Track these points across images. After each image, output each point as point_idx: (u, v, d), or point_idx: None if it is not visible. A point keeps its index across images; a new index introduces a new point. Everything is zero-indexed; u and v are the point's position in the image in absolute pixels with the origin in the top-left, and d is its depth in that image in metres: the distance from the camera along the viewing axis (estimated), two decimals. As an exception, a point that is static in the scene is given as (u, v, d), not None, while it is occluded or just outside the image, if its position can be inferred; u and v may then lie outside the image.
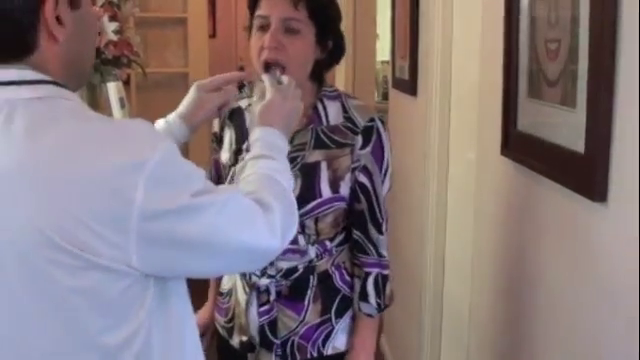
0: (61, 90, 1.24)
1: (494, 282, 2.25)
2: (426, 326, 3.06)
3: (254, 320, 1.89)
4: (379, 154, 1.87)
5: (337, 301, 1.94)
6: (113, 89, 3.19)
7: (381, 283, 1.93)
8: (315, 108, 1.88)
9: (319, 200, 1.83)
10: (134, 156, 1.14)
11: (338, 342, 1.94)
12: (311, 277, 1.90)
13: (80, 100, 1.28)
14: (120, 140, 1.17)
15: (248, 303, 1.90)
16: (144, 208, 1.13)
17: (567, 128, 1.59)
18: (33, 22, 1.20)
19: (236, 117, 1.96)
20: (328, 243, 1.90)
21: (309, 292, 1.91)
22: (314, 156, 1.84)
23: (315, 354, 1.92)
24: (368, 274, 1.92)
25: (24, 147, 1.14)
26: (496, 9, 2.05)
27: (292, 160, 1.79)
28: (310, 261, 1.88)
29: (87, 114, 1.22)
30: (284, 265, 1.87)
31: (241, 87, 1.98)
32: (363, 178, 1.87)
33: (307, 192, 1.83)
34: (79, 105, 1.25)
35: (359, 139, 1.85)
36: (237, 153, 1.90)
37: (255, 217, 1.30)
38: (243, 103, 1.95)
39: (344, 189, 1.86)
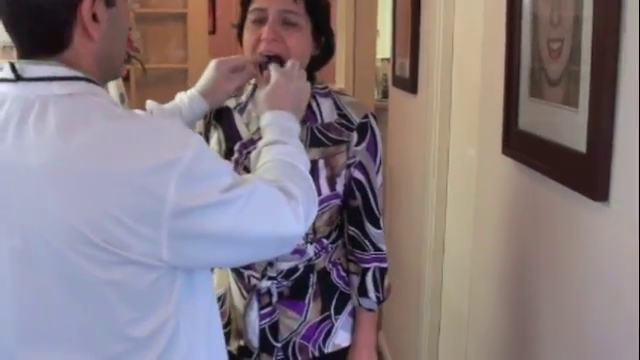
0: (91, 86, 1.25)
1: (493, 280, 2.25)
2: (424, 323, 3.06)
3: (253, 324, 1.86)
4: (373, 150, 1.87)
5: (335, 298, 1.94)
6: (113, 85, 3.20)
7: (379, 277, 1.93)
8: (309, 106, 1.86)
9: (318, 198, 1.83)
10: (167, 154, 1.17)
11: (338, 339, 1.94)
12: (311, 275, 1.90)
13: (109, 97, 1.30)
14: (152, 139, 1.19)
15: (247, 307, 1.87)
16: (176, 205, 1.15)
17: (569, 128, 1.58)
18: (69, 19, 1.21)
19: (224, 117, 1.93)
20: (324, 240, 1.90)
21: (309, 291, 1.90)
22: (311, 154, 1.82)
23: (317, 353, 1.91)
24: (366, 270, 1.92)
25: (57, 144, 1.16)
26: (498, 7, 2.05)
27: None
28: (309, 260, 1.88)
29: (118, 112, 1.23)
30: (285, 266, 1.86)
31: None
32: (358, 174, 1.87)
33: None
34: (109, 102, 1.26)
35: (354, 136, 1.85)
36: (227, 154, 1.88)
37: (280, 205, 1.32)
38: (231, 103, 1.93)
39: (339, 186, 1.85)
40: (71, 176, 1.15)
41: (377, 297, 1.93)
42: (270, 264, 1.85)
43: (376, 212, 1.91)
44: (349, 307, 1.96)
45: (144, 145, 1.17)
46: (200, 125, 1.97)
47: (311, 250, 1.87)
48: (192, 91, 1.81)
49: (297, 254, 1.85)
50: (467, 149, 2.64)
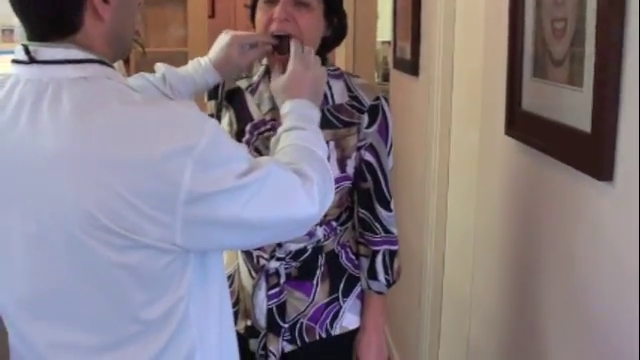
0: (106, 69, 1.25)
1: (496, 263, 2.25)
2: (426, 306, 3.06)
3: (261, 304, 1.87)
4: (384, 132, 1.87)
5: (344, 280, 1.94)
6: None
7: (389, 259, 1.92)
8: None
9: None
10: (182, 140, 1.16)
11: (346, 321, 1.94)
12: (319, 257, 1.90)
13: (124, 80, 1.30)
14: (168, 124, 1.19)
15: (255, 287, 1.88)
16: (190, 191, 1.16)
17: (573, 107, 1.58)
18: (80, 1, 1.22)
19: (236, 98, 1.93)
20: (334, 223, 1.90)
21: (317, 272, 1.91)
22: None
23: (324, 335, 1.92)
24: (376, 252, 1.92)
25: (72, 128, 1.16)
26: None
27: None
28: (318, 241, 1.88)
29: (133, 96, 1.23)
30: (293, 247, 1.86)
31: None
32: (369, 156, 1.86)
33: None
34: (124, 86, 1.26)
35: (365, 118, 1.84)
36: (239, 135, 1.88)
37: (295, 188, 1.32)
38: (243, 84, 1.93)
39: (350, 168, 1.85)
40: (86, 161, 1.15)
41: (387, 280, 1.93)
42: (279, 245, 1.85)
43: (387, 195, 1.90)
44: (357, 290, 1.96)
45: (160, 131, 1.17)
46: (212, 106, 1.97)
47: (320, 232, 1.87)
48: (207, 61, 1.80)
49: (306, 235, 1.84)
50: (469, 130, 2.63)
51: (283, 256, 1.86)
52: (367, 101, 1.85)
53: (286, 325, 1.89)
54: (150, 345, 1.28)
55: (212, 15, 8.32)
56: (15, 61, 1.26)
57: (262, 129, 1.83)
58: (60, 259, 1.20)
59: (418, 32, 3.17)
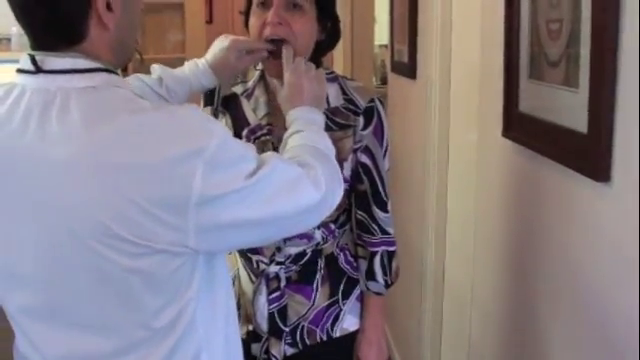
0: (113, 77, 1.26)
1: (496, 264, 2.25)
2: (427, 306, 3.07)
3: (262, 308, 1.88)
4: (380, 134, 1.87)
5: (343, 283, 1.95)
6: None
7: (387, 260, 1.93)
8: None
9: None
10: (192, 144, 1.18)
11: (346, 323, 1.95)
12: (319, 260, 1.91)
13: (131, 88, 1.32)
14: (178, 129, 1.20)
15: (256, 292, 1.88)
16: (202, 193, 1.17)
17: (569, 109, 1.58)
18: (84, 10, 1.22)
19: (232, 104, 1.93)
20: (332, 225, 1.90)
21: (317, 275, 1.91)
22: None
23: (325, 338, 1.92)
24: (374, 254, 1.92)
25: (82, 138, 1.17)
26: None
27: None
28: (317, 244, 1.88)
29: (141, 104, 1.24)
30: (293, 251, 1.87)
31: None
32: (365, 158, 1.87)
33: None
34: (132, 94, 1.27)
35: (360, 120, 1.85)
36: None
37: (299, 178, 1.33)
38: (238, 89, 1.93)
39: (346, 170, 1.86)
40: (97, 170, 1.15)
41: (385, 281, 1.94)
42: (278, 249, 1.85)
43: (383, 196, 1.91)
44: (357, 292, 1.97)
45: (169, 136, 1.18)
46: (208, 112, 1.97)
47: (319, 235, 1.87)
48: (204, 64, 1.81)
49: (305, 239, 1.85)
50: (467, 132, 2.64)
51: (283, 260, 1.87)
52: (362, 103, 1.85)
53: (287, 329, 1.89)
54: (159, 348, 1.29)
55: (210, 21, 8.32)
56: (20, 70, 1.26)
57: (259, 134, 1.84)
58: (73, 267, 1.21)
59: (415, 35, 3.18)
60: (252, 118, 1.87)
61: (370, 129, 1.85)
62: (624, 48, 1.37)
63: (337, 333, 1.94)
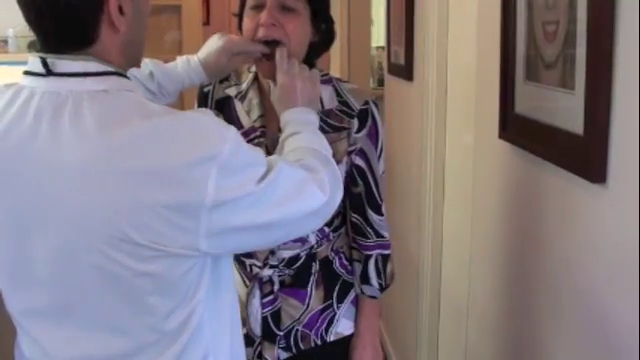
0: (124, 81, 1.27)
1: (493, 266, 2.25)
2: (424, 309, 3.07)
3: (255, 312, 1.87)
4: (374, 136, 1.87)
5: (338, 286, 1.94)
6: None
7: (381, 263, 1.92)
8: None
9: None
10: (206, 149, 1.18)
11: (340, 327, 1.94)
12: (313, 264, 1.90)
13: (142, 92, 1.34)
14: (191, 133, 1.20)
15: (250, 295, 1.88)
16: (215, 197, 1.18)
17: (566, 110, 1.58)
18: (97, 13, 1.22)
19: (225, 106, 1.93)
20: (326, 228, 1.89)
21: (311, 279, 1.90)
22: None
23: (319, 342, 1.92)
24: (369, 257, 1.92)
25: (96, 142, 1.17)
26: (493, -8, 2.04)
27: None
28: (311, 248, 1.88)
29: (153, 108, 1.24)
30: (286, 254, 1.86)
31: (226, 76, 1.96)
32: (360, 161, 1.86)
33: None
34: (143, 98, 1.28)
35: (355, 122, 1.84)
36: None
37: (306, 181, 1.34)
38: (232, 92, 1.92)
39: (341, 173, 1.85)
40: (111, 175, 1.16)
41: (380, 284, 1.93)
42: (272, 252, 1.85)
43: (378, 199, 1.90)
44: (352, 295, 1.96)
45: (183, 140, 1.19)
46: None
47: (313, 238, 1.87)
48: (196, 62, 1.81)
49: (299, 242, 1.85)
50: (464, 134, 2.64)
51: (276, 264, 1.86)
52: (356, 106, 1.85)
53: (281, 333, 1.88)
54: (168, 350, 1.30)
55: (207, 22, 8.33)
56: (28, 73, 1.26)
57: (252, 136, 1.83)
58: (83, 271, 1.21)
59: (412, 37, 3.18)
60: (245, 120, 1.87)
61: (364, 132, 1.85)
62: (620, 50, 1.37)
63: (331, 337, 1.93)
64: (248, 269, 1.88)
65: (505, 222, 2.13)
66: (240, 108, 1.89)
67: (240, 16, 1.83)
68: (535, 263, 1.86)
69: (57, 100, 1.20)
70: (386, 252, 1.93)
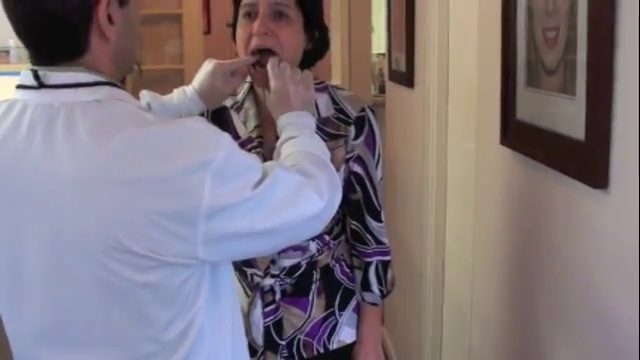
0: (117, 91, 1.26)
1: (495, 271, 2.25)
2: (427, 315, 3.07)
3: (257, 322, 1.86)
4: (372, 143, 1.87)
5: (339, 294, 1.94)
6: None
7: (382, 270, 1.92)
8: None
9: None
10: (200, 156, 1.18)
11: (343, 335, 1.94)
12: (314, 272, 1.90)
13: (135, 101, 1.31)
14: (185, 140, 1.20)
15: (251, 305, 1.87)
16: (211, 204, 1.17)
17: (567, 116, 1.59)
18: (86, 23, 1.22)
19: (222, 117, 1.92)
20: (326, 236, 1.89)
21: (313, 287, 1.90)
22: None
23: (321, 350, 1.91)
24: (369, 264, 1.92)
25: (91, 152, 1.16)
26: (493, -2, 2.05)
27: None
28: (312, 256, 1.88)
29: (147, 118, 1.24)
30: (287, 263, 1.86)
31: None
32: (357, 168, 1.86)
33: None
34: (136, 107, 1.27)
35: (352, 130, 1.84)
36: None
37: (303, 187, 1.33)
38: (228, 102, 1.92)
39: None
40: (107, 184, 1.15)
41: (380, 291, 1.93)
42: (272, 261, 1.84)
43: (376, 205, 1.90)
44: (353, 303, 1.96)
45: (177, 147, 1.18)
46: None
47: (313, 247, 1.86)
48: (192, 91, 1.79)
49: (299, 251, 1.84)
50: (465, 141, 2.64)
51: (277, 273, 1.86)
52: (353, 113, 1.84)
53: (283, 342, 1.88)
54: None
55: (208, 31, 8.34)
56: (21, 86, 1.25)
57: (249, 147, 1.83)
58: (80, 283, 1.21)
59: (412, 44, 3.19)
60: (242, 131, 1.87)
61: (362, 139, 1.85)
62: (621, 55, 1.38)
63: (334, 345, 1.93)
64: (249, 279, 1.88)
65: (507, 227, 2.13)
66: (236, 118, 1.89)
67: (234, 26, 1.83)
68: (537, 268, 1.87)
69: (50, 112, 1.20)
70: (386, 258, 1.93)
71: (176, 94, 1.81)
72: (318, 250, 1.87)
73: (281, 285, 1.87)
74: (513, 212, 2.07)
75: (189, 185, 1.16)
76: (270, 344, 1.87)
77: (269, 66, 1.70)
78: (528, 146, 1.84)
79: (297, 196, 1.32)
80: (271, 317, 1.87)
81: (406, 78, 3.29)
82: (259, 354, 1.88)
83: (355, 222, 1.91)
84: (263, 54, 1.74)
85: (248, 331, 1.86)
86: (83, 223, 1.16)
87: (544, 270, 1.82)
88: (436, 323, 3.04)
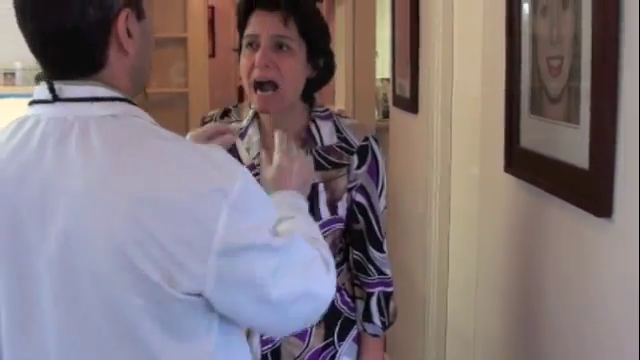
0: (133, 108, 1.23)
1: (499, 299, 2.24)
2: (430, 344, 3.05)
3: (255, 350, 1.83)
4: (375, 173, 1.86)
5: (339, 324, 1.91)
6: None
7: (384, 301, 1.90)
8: (308, 129, 1.86)
9: (319, 222, 1.79)
10: (218, 182, 1.14)
11: None
12: None
13: (151, 118, 1.27)
14: (204, 164, 1.16)
15: (249, 333, 1.83)
16: (225, 239, 1.12)
17: (571, 144, 1.59)
18: (105, 37, 1.19)
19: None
20: None
21: None
22: None
23: None
24: (371, 294, 1.90)
25: (105, 166, 1.13)
26: (497, 26, 2.06)
27: None
28: None
29: (164, 133, 1.20)
30: None
31: (227, 112, 1.96)
32: (360, 197, 1.86)
33: None
34: (152, 124, 1.24)
35: (355, 159, 1.83)
36: None
37: (316, 262, 1.27)
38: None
39: (341, 210, 1.84)
40: (120, 198, 1.11)
41: (382, 322, 1.91)
42: None
43: (379, 236, 1.89)
44: (353, 333, 1.93)
45: (194, 169, 1.15)
46: None
47: None
48: None
49: None
50: (469, 167, 2.64)
51: None
52: (356, 142, 1.84)
53: None
54: None
55: (213, 54, 8.38)
56: (34, 102, 1.22)
57: (252, 173, 1.83)
58: (89, 307, 1.15)
59: (417, 70, 3.20)
60: (245, 158, 1.87)
61: (365, 168, 1.84)
62: (624, 84, 1.38)
63: None
64: None
65: (511, 255, 2.13)
66: (240, 145, 1.89)
67: (239, 51, 1.84)
68: (540, 296, 1.86)
69: (63, 126, 1.17)
70: (388, 289, 1.91)
71: None
72: None
73: None
74: (517, 239, 2.07)
75: (202, 212, 1.12)
76: None
77: (276, 139, 1.66)
78: (532, 174, 1.84)
79: (310, 269, 1.26)
80: (269, 345, 1.84)
81: (410, 104, 3.30)
82: None
83: (357, 252, 1.90)
84: (265, 86, 1.75)
85: None
86: (93, 239, 1.11)
87: (547, 298, 1.82)
88: (439, 350, 3.03)
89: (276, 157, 1.63)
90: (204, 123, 1.94)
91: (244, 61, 1.78)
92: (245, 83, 1.80)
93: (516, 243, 2.08)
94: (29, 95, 1.28)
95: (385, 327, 1.93)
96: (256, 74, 1.75)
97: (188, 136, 1.71)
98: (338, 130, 1.86)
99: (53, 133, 1.17)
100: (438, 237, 2.92)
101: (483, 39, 2.36)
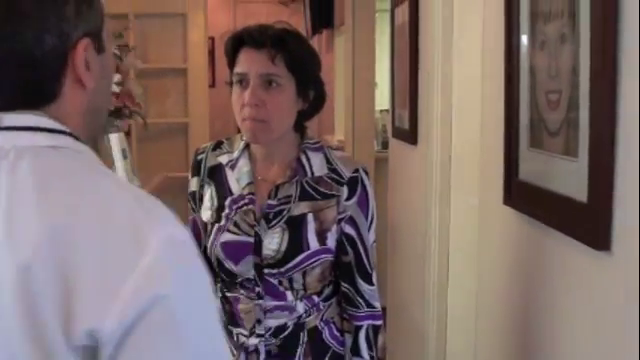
0: (77, 143, 1.10)
1: (498, 332, 2.23)
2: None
3: None
4: (364, 205, 1.86)
5: (327, 358, 1.90)
6: (116, 140, 3.21)
7: (372, 335, 1.89)
8: (299, 160, 1.87)
9: (307, 252, 1.81)
10: (139, 222, 0.98)
11: None
12: (301, 334, 1.86)
13: (97, 157, 1.14)
14: (129, 202, 1.01)
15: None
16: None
17: (570, 177, 1.59)
18: (62, 67, 1.08)
19: (217, 174, 1.94)
20: (315, 298, 1.87)
21: (299, 350, 1.87)
22: (300, 208, 1.83)
23: None
24: (359, 328, 1.89)
25: (27, 197, 0.99)
26: (496, 59, 2.07)
27: (278, 213, 1.79)
28: (299, 317, 1.85)
29: (103, 169, 1.10)
30: (273, 323, 1.83)
31: (219, 144, 1.98)
32: (349, 229, 1.86)
33: (295, 245, 1.81)
34: (98, 163, 1.12)
35: (344, 190, 1.84)
36: (219, 210, 1.89)
37: None
38: (224, 159, 1.94)
39: (331, 241, 1.84)
40: (32, 229, 0.96)
41: (371, 356, 1.89)
42: (258, 321, 1.82)
43: (368, 268, 1.88)
44: None
45: (118, 203, 1.00)
46: (195, 182, 1.97)
47: (301, 307, 1.84)
48: None
49: (286, 311, 1.82)
50: (468, 200, 2.64)
51: (263, 332, 1.83)
52: (346, 173, 1.85)
53: None
54: None
55: (213, 84, 8.40)
56: None
57: (240, 203, 1.84)
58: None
59: (416, 101, 3.20)
60: (235, 188, 1.88)
61: (354, 199, 1.85)
62: (622, 118, 1.38)
63: None
64: (235, 338, 1.86)
65: (511, 287, 2.12)
66: (231, 176, 1.90)
67: (231, 84, 1.85)
68: (539, 330, 1.85)
69: None
70: (377, 323, 1.90)
71: None
72: (306, 311, 1.85)
73: (266, 345, 1.84)
74: (517, 272, 2.06)
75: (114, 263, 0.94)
76: None
77: None
78: (531, 207, 1.84)
79: None
80: None
81: (409, 135, 3.30)
82: None
83: (346, 284, 1.89)
84: (256, 122, 1.78)
85: None
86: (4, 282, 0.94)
87: (546, 332, 1.81)
88: (438, 383, 3.00)
89: None
90: (196, 159, 1.96)
91: (235, 97, 1.82)
92: (237, 118, 1.83)
93: (516, 275, 2.07)
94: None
95: None
96: (247, 112, 1.78)
97: None
98: (329, 161, 1.87)
99: None
100: (437, 269, 2.91)
101: (482, 71, 2.37)
